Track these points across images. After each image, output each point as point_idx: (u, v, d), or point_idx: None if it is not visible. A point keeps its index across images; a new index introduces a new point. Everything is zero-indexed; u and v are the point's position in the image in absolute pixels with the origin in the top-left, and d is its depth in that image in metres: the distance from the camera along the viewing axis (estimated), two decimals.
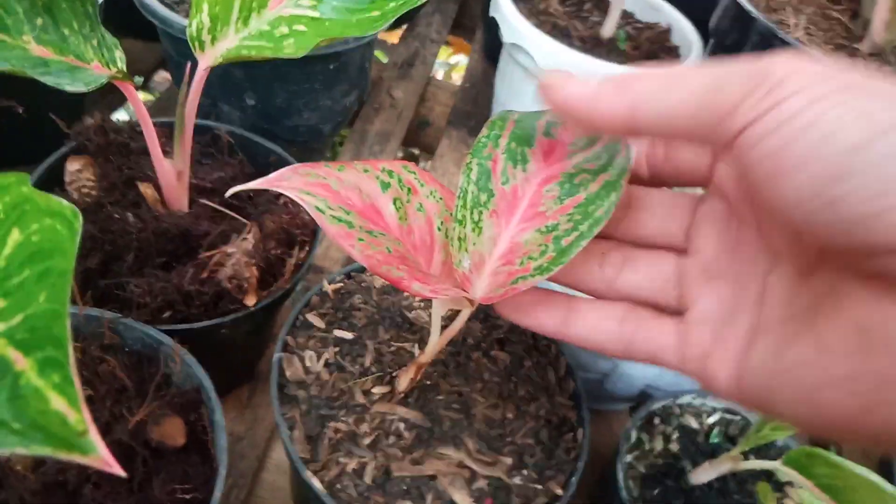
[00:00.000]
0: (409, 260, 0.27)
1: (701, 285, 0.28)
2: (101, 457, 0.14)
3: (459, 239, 0.29)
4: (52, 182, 0.44)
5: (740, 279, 0.27)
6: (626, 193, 0.28)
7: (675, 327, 0.28)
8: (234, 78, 0.58)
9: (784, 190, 0.21)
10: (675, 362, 0.28)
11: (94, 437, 0.15)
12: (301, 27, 0.34)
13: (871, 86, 0.20)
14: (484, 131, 0.31)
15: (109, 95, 0.76)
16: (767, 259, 0.26)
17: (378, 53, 1.13)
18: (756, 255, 0.26)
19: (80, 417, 0.15)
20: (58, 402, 0.16)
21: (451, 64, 1.60)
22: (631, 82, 0.24)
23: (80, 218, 0.17)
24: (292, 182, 0.26)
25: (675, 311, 0.29)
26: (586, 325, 0.29)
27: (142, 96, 1.00)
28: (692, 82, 0.23)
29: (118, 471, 0.14)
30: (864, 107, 0.20)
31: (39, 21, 0.31)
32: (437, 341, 0.33)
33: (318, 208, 0.25)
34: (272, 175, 0.26)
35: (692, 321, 0.27)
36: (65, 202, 0.17)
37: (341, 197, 0.26)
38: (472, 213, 0.30)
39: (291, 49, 0.33)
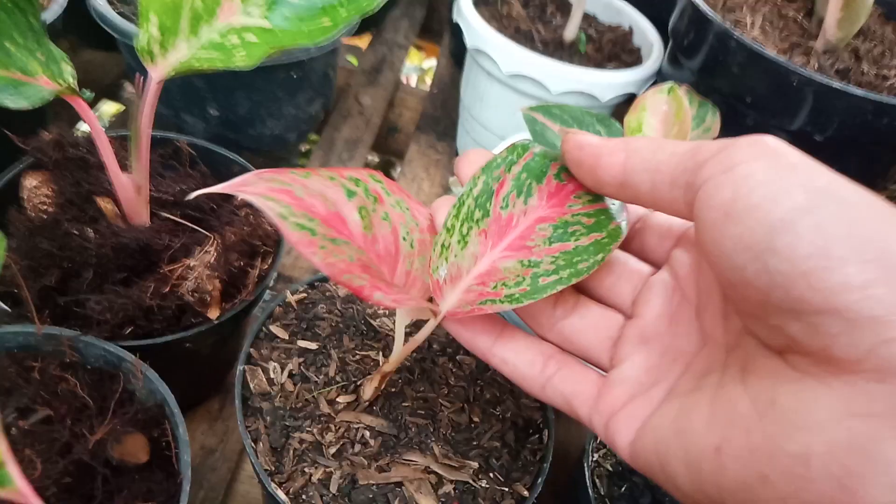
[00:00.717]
0: (373, 269, 0.27)
1: (633, 347, 0.29)
2: (18, 489, 0.14)
3: (443, 246, 0.30)
4: (9, 198, 0.44)
5: (669, 352, 0.28)
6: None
7: (597, 380, 0.29)
8: (195, 88, 0.58)
9: (728, 237, 0.22)
10: (585, 412, 0.29)
11: (12, 469, 0.14)
12: (252, 37, 0.34)
13: (826, 171, 0.22)
14: (502, 153, 0.31)
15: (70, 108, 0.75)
16: (698, 340, 0.28)
17: (350, 58, 1.13)
18: (689, 333, 0.28)
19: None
20: None
21: (424, 69, 1.60)
22: (629, 140, 0.27)
23: (4, 242, 0.16)
24: (255, 188, 0.26)
25: (604, 369, 0.30)
26: (512, 351, 0.30)
27: (112, 106, 0.99)
28: (678, 146, 0.25)
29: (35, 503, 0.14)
30: (825, 179, 0.21)
31: None
32: (400, 351, 0.33)
33: (280, 215, 0.24)
34: (235, 180, 0.25)
35: (613, 379, 0.29)
36: None
37: (305, 204, 0.26)
38: (462, 225, 0.30)
39: (243, 61, 0.33)
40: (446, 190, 0.77)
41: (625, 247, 0.32)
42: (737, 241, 0.22)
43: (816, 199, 0.21)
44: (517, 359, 0.30)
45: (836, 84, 0.50)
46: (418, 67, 1.59)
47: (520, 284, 0.28)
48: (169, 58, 0.34)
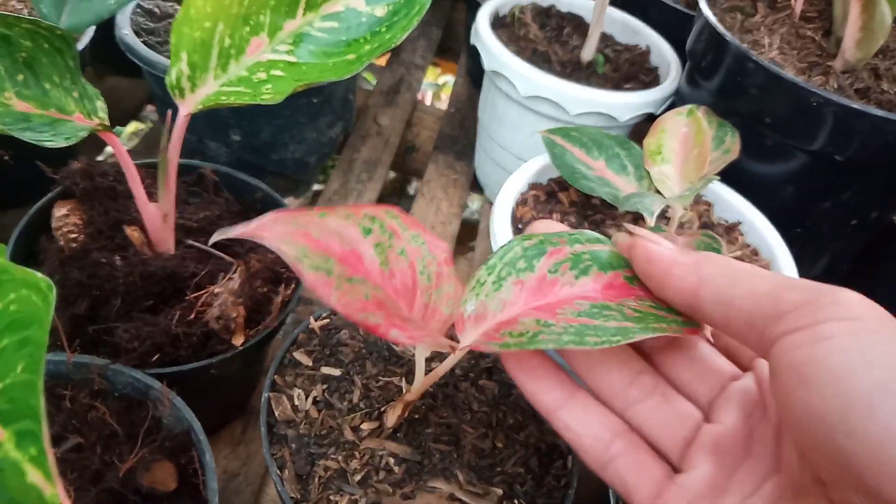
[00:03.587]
0: (389, 305, 0.28)
1: (705, 455, 0.27)
2: None
3: (478, 281, 0.30)
4: (40, 227, 0.45)
5: (740, 470, 0.27)
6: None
7: (661, 474, 0.28)
8: (219, 115, 0.59)
9: (801, 403, 0.21)
10: None
11: (63, 497, 0.15)
12: (278, 72, 0.35)
13: None
14: (574, 232, 0.32)
15: (96, 139, 0.76)
16: (771, 464, 0.26)
17: (367, 76, 1.14)
18: (763, 454, 0.26)
19: (54, 492, 0.15)
20: (34, 475, 0.16)
21: (440, 84, 1.62)
22: (705, 261, 0.26)
23: (54, 290, 0.17)
24: (273, 231, 0.26)
25: (671, 464, 0.28)
26: (579, 420, 0.29)
27: (134, 126, 1.01)
28: (756, 284, 0.24)
29: None
30: None
31: (21, 77, 0.32)
32: (422, 381, 0.34)
33: (296, 258, 0.25)
34: (253, 223, 0.26)
35: (679, 483, 0.27)
36: (39, 275, 0.18)
37: (321, 244, 0.27)
38: (503, 268, 0.30)
39: (269, 95, 0.34)
40: (464, 209, 0.77)
41: (713, 336, 0.30)
42: (809, 410, 0.21)
43: None
44: (583, 430, 0.29)
45: (856, 104, 0.50)
46: (434, 84, 1.61)
47: (522, 336, 0.28)
48: (198, 93, 0.35)
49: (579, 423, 0.29)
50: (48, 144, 0.29)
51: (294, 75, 0.35)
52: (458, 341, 0.30)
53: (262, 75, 0.35)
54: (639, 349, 0.31)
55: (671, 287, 0.27)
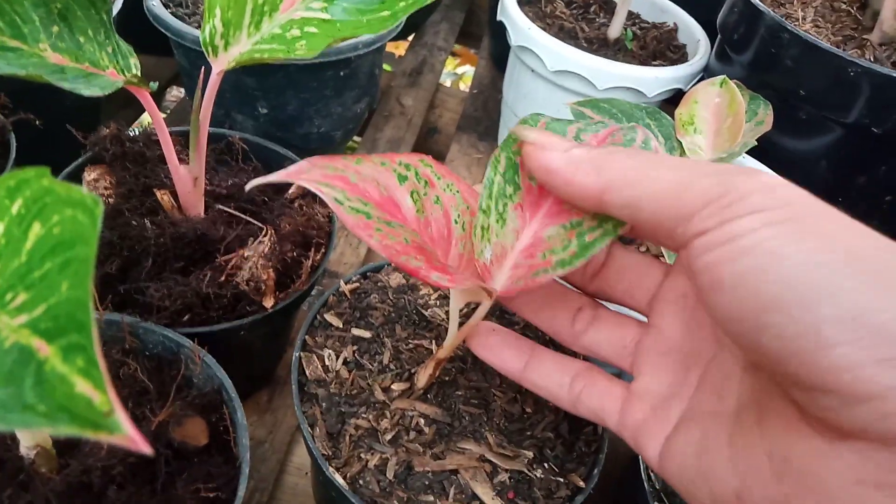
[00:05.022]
0: (428, 251, 0.27)
1: (651, 358, 0.29)
2: (128, 435, 0.15)
3: (483, 228, 0.30)
4: None
5: (686, 360, 0.28)
6: (603, 250, 0.28)
7: (621, 394, 0.30)
8: (246, 87, 0.59)
9: (718, 305, 0.21)
10: (615, 426, 0.29)
11: (121, 416, 0.15)
12: (312, 29, 0.34)
13: (826, 222, 0.20)
14: (514, 128, 0.31)
15: (123, 110, 0.77)
16: (713, 344, 0.27)
17: (386, 66, 1.14)
18: (704, 338, 0.27)
19: (105, 398, 0.15)
20: (83, 385, 0.16)
21: (458, 74, 1.61)
22: (606, 163, 0.24)
23: (101, 206, 0.17)
24: (311, 174, 0.26)
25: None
26: (541, 374, 0.31)
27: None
28: (663, 177, 0.23)
29: (145, 448, 0.15)
30: (809, 243, 0.19)
31: (55, 29, 0.32)
32: (455, 335, 0.33)
33: (336, 199, 0.25)
34: (290, 168, 0.26)
35: (635, 392, 0.29)
36: (84, 191, 0.17)
37: (359, 189, 0.26)
38: (497, 203, 0.30)
39: (303, 51, 0.34)
40: None
41: (634, 230, 0.29)
42: (726, 312, 0.21)
43: (807, 270, 0.19)
44: (546, 381, 0.31)
45: None
46: (453, 73, 1.61)
47: (567, 248, 0.28)
48: (231, 51, 0.35)
49: (543, 377, 0.31)
50: (85, 93, 0.29)
51: (328, 32, 0.34)
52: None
53: (296, 32, 0.34)
54: (577, 277, 0.31)
55: (576, 197, 0.25)
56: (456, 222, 0.30)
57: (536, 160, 0.26)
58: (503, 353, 0.32)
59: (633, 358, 0.30)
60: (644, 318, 0.30)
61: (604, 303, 0.32)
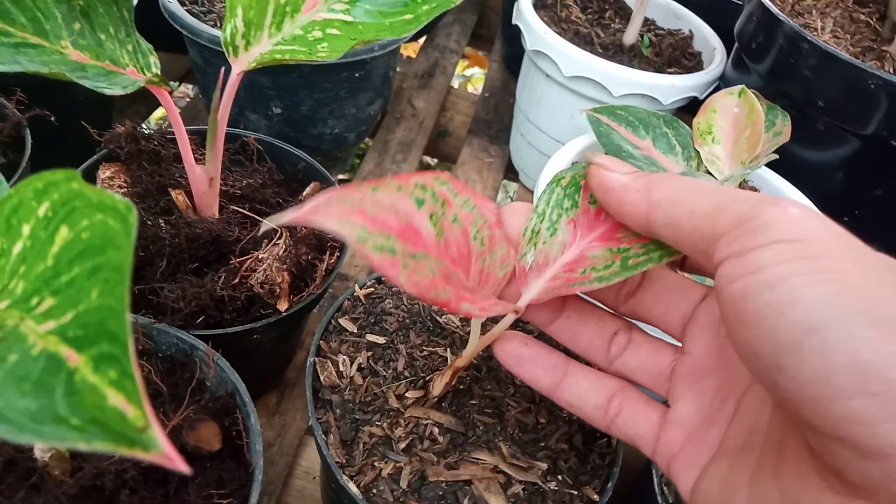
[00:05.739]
0: (453, 278, 0.27)
1: (686, 386, 0.28)
2: (164, 452, 0.14)
3: (533, 231, 0.30)
4: None
5: (721, 390, 0.27)
6: (639, 273, 0.28)
7: (658, 417, 0.29)
8: (260, 86, 0.59)
9: (739, 339, 0.21)
10: (649, 452, 0.29)
11: (157, 432, 0.14)
12: (334, 31, 0.34)
13: (850, 263, 0.19)
14: (580, 162, 0.32)
15: (134, 106, 0.76)
16: (749, 375, 0.27)
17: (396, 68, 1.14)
18: (740, 367, 0.27)
19: (140, 413, 0.15)
20: (115, 398, 0.16)
21: (467, 76, 1.61)
22: (656, 185, 0.25)
23: (135, 211, 0.17)
24: (328, 213, 0.25)
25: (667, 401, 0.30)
26: (577, 391, 0.31)
27: (160, 111, 1.01)
28: (703, 199, 0.23)
29: (182, 467, 0.14)
30: (828, 285, 0.19)
31: (77, 26, 0.32)
32: (476, 345, 0.33)
33: (359, 239, 0.24)
34: (308, 206, 0.24)
35: (670, 420, 0.29)
36: (117, 196, 0.17)
37: (378, 221, 0.26)
38: (552, 211, 0.30)
39: (325, 53, 0.33)
40: (499, 192, 0.77)
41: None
42: (746, 347, 0.21)
43: (825, 315, 0.18)
44: (581, 403, 0.31)
45: None
46: (461, 75, 1.60)
47: (609, 267, 0.28)
48: (251, 51, 0.35)
49: (578, 397, 0.31)
50: (107, 92, 0.29)
51: (350, 34, 0.34)
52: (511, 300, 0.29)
53: (318, 34, 0.34)
54: (610, 298, 0.31)
55: (627, 215, 0.26)
56: (475, 238, 0.30)
57: (597, 178, 0.27)
58: (536, 369, 0.31)
59: (668, 384, 0.29)
60: (677, 343, 0.30)
61: (637, 322, 0.32)
